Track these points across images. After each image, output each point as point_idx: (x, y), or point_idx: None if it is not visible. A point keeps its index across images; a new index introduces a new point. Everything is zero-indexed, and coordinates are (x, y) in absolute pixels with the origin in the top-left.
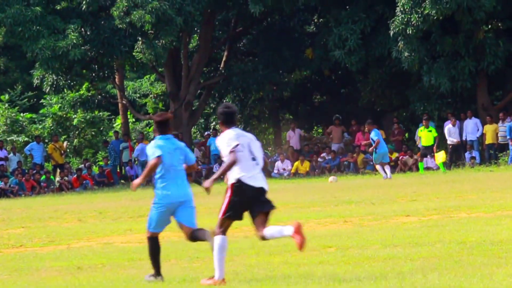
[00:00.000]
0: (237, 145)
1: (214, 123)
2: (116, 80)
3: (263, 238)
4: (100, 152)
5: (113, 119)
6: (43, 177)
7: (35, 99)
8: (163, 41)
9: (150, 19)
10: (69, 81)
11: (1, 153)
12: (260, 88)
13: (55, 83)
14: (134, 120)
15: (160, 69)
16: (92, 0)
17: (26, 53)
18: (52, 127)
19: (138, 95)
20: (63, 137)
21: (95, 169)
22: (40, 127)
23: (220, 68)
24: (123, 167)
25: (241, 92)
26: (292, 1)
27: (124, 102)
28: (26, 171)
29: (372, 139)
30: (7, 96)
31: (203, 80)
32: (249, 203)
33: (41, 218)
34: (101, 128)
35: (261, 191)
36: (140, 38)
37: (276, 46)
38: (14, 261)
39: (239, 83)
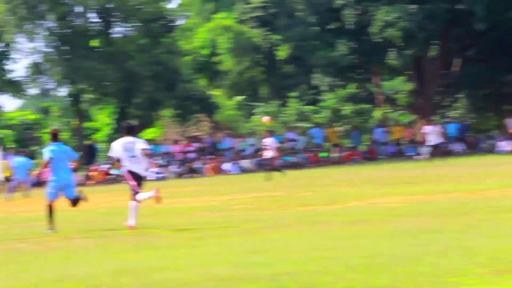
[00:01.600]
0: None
1: (451, 112)
2: (376, 80)
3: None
4: (364, 135)
5: (374, 110)
6: (324, 154)
7: (315, 95)
8: (409, 51)
9: (399, 35)
10: (340, 82)
11: (291, 135)
12: (487, 86)
13: (330, 83)
14: (390, 111)
15: (408, 72)
16: (355, 21)
17: (308, 62)
18: (329, 117)
19: (392, 91)
20: (338, 124)
21: (363, 147)
22: (320, 116)
23: (455, 71)
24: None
25: (471, 89)
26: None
27: (382, 97)
28: (311, 149)
29: None
30: (295, 94)
31: (442, 80)
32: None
33: (323, 184)
34: (366, 117)
35: (137, 174)
36: (392, 49)
37: (502, 53)
38: (305, 216)
39: (470, 83)
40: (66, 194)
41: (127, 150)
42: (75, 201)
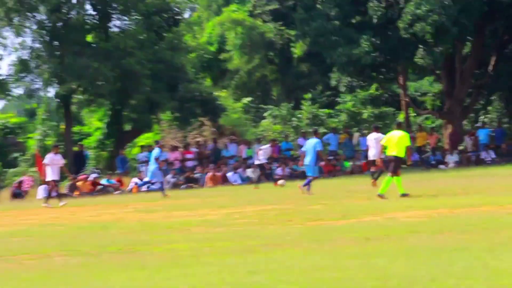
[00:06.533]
0: None
1: (482, 117)
2: (400, 81)
3: None
4: None
5: (396, 114)
6: (346, 163)
7: (332, 97)
8: (440, 48)
9: (430, 30)
10: (361, 82)
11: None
12: None
13: (349, 84)
14: (414, 114)
15: (437, 72)
16: (381, 14)
17: (325, 59)
18: (346, 121)
19: (418, 93)
20: (354, 129)
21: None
22: (336, 120)
23: (489, 71)
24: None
25: (507, 90)
26: None
27: (406, 99)
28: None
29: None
30: (309, 95)
31: (474, 81)
32: None
33: (336, 197)
34: (387, 122)
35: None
36: (421, 46)
37: None
38: (314, 232)
39: (506, 82)
40: None
41: None
42: None
